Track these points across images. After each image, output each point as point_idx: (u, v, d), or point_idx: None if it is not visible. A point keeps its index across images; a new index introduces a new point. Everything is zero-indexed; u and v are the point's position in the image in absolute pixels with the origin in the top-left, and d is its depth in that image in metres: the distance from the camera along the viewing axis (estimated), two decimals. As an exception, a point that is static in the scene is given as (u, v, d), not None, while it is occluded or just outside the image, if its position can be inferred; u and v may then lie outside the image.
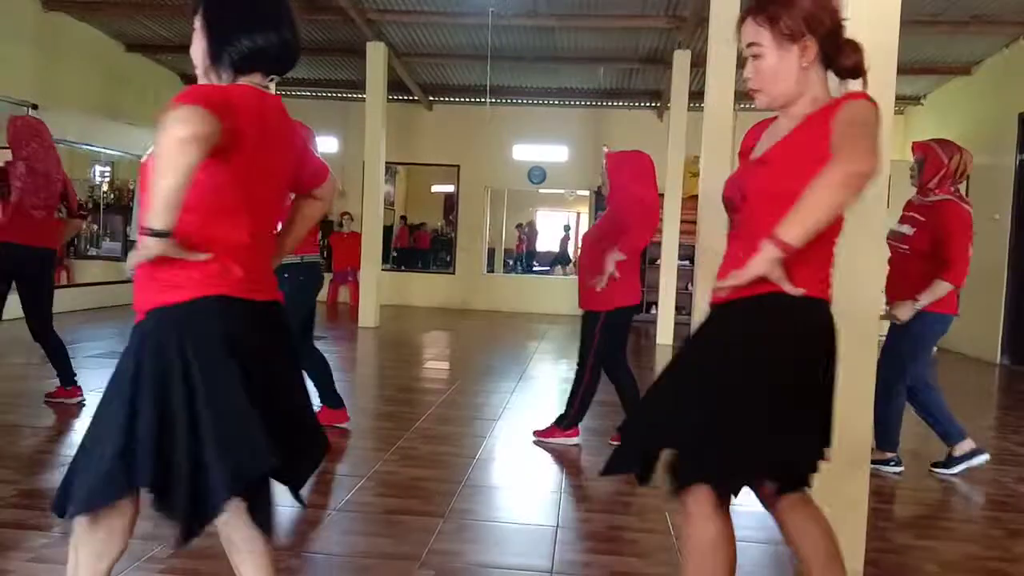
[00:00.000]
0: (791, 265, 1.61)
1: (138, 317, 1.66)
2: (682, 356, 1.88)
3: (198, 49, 1.75)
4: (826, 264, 1.77)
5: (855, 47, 1.77)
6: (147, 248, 1.50)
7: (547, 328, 10.11)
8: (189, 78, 11.91)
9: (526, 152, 12.20)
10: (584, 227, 12.88)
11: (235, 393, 1.56)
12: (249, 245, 1.67)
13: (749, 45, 1.78)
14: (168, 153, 1.45)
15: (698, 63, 8.47)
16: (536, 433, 4.28)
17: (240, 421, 1.56)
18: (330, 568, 2.57)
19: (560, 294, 12.17)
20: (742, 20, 1.79)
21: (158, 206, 1.47)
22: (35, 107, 8.32)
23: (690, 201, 8.99)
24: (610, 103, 11.90)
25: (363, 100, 10.10)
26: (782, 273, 1.60)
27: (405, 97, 11.78)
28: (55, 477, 3.21)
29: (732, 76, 5.76)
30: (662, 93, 10.81)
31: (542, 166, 12.18)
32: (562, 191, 12.59)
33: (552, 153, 12.07)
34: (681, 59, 8.90)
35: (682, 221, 9.13)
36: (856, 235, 2.37)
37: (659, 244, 9.72)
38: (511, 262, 16.11)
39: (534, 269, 16.24)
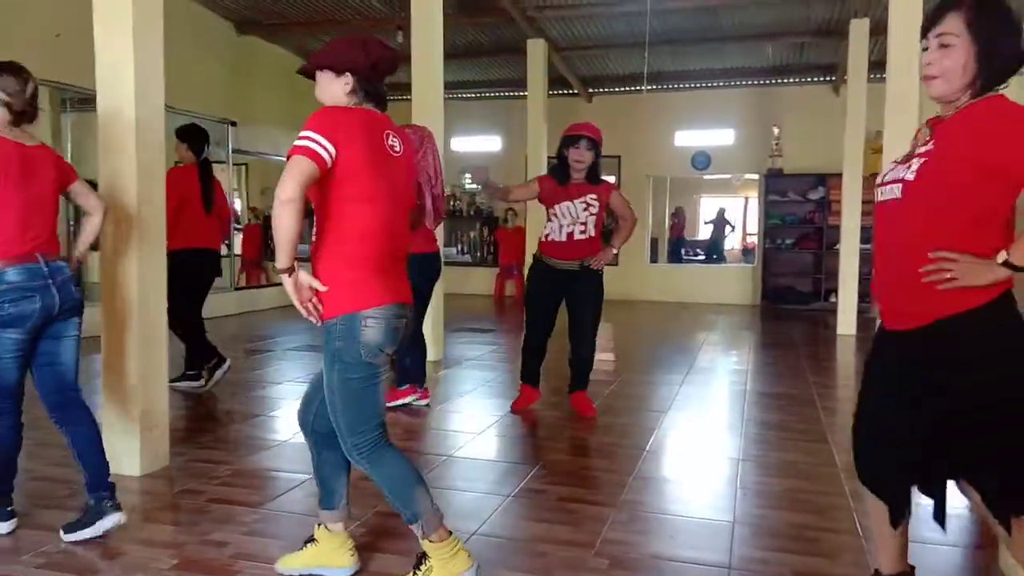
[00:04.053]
0: None
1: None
2: None
3: (959, 64, 1.72)
4: None
5: None
6: None
7: (715, 319, 9.81)
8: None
9: (689, 138, 11.84)
10: (752, 213, 12.27)
11: None
12: None
13: None
14: None
15: (877, 31, 7.86)
16: None
17: None
18: (509, 551, 2.65)
19: (729, 283, 11.78)
20: None
21: None
22: (233, 124, 9.20)
23: (872, 180, 8.38)
24: (779, 80, 11.31)
25: (524, 98, 10.27)
26: None
27: (565, 91, 11.84)
28: (261, 458, 3.56)
29: (917, 42, 5.25)
30: (837, 66, 10.14)
31: (706, 151, 11.78)
32: (728, 176, 12.09)
33: (717, 137, 11.64)
34: (858, 28, 8.34)
35: (864, 202, 8.55)
36: None
37: (837, 228, 9.16)
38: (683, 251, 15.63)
39: (683, 257, 15.54)
